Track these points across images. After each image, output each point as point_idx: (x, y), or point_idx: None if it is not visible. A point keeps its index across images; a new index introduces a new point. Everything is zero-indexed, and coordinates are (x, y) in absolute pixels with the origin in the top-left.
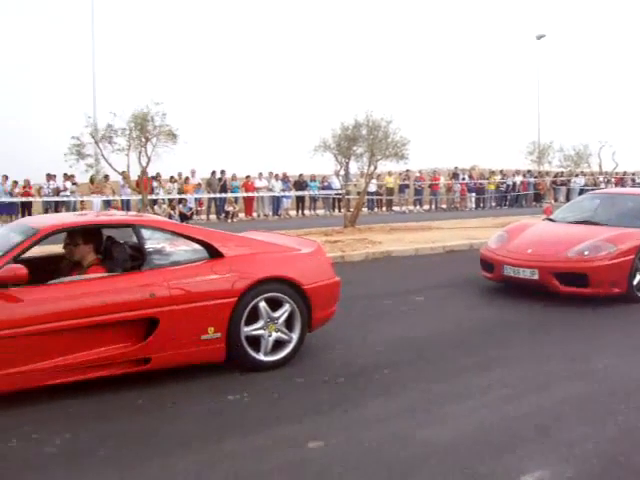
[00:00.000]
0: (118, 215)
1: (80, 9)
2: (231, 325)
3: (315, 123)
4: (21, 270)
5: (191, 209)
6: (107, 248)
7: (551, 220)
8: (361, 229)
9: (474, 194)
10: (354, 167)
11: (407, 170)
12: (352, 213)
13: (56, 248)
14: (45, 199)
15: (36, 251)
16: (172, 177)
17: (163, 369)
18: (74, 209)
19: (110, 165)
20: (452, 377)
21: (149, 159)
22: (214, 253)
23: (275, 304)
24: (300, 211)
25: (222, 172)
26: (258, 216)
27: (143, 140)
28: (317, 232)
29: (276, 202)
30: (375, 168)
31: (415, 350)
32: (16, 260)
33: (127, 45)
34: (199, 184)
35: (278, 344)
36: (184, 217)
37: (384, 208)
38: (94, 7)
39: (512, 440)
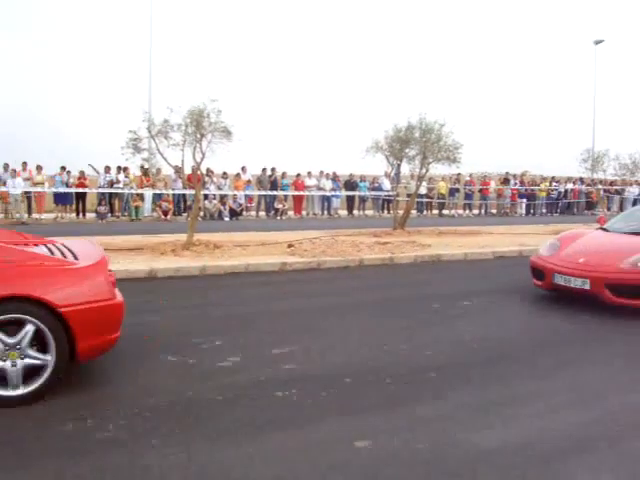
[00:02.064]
0: None
1: (138, 6)
2: None
3: (367, 124)
4: None
5: (241, 205)
6: None
7: (604, 229)
8: (410, 232)
9: (525, 200)
10: (405, 169)
11: (458, 174)
12: (402, 215)
13: None
14: (99, 190)
15: None
16: (224, 173)
17: None
18: (127, 201)
19: (165, 159)
20: (502, 383)
21: (203, 155)
22: None
23: (14, 326)
24: (350, 211)
25: (273, 169)
26: (307, 214)
27: (198, 136)
28: (366, 233)
29: (326, 201)
30: (427, 171)
31: (463, 355)
32: None
33: (183, 43)
34: (249, 181)
35: (34, 371)
36: (234, 213)
37: (434, 211)
38: (152, 3)
39: (562, 449)
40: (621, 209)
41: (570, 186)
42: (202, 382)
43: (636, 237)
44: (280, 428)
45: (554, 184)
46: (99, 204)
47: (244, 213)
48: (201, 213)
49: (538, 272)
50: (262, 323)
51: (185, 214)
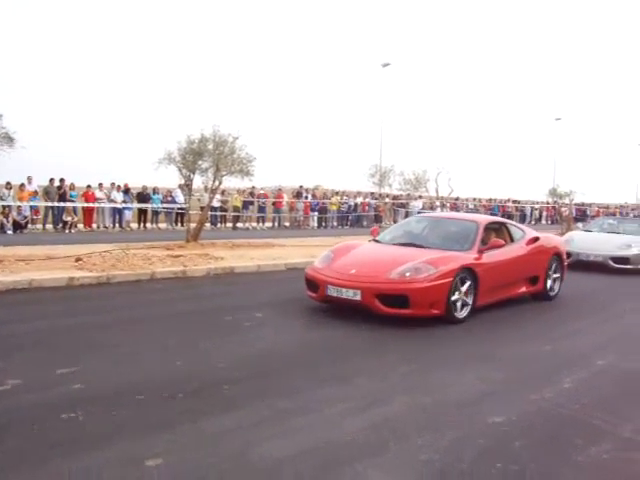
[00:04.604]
0: None
1: None
2: None
3: (160, 135)
4: None
5: (26, 218)
6: None
7: (377, 241)
8: (204, 244)
9: (317, 213)
10: (198, 181)
11: (253, 187)
12: (195, 228)
13: None
14: None
15: None
16: (8, 183)
17: None
18: None
19: None
20: (292, 392)
21: None
22: None
23: None
24: (142, 224)
25: (61, 180)
26: (98, 227)
27: None
28: (159, 246)
29: (117, 214)
30: (220, 183)
31: (255, 366)
32: None
33: None
34: (36, 192)
35: None
36: (18, 226)
37: (228, 224)
38: None
39: (352, 454)
40: None
41: (360, 200)
42: None
43: (404, 248)
44: (63, 453)
45: (344, 198)
46: None
47: (29, 226)
48: None
49: (312, 284)
50: (46, 342)
51: None
